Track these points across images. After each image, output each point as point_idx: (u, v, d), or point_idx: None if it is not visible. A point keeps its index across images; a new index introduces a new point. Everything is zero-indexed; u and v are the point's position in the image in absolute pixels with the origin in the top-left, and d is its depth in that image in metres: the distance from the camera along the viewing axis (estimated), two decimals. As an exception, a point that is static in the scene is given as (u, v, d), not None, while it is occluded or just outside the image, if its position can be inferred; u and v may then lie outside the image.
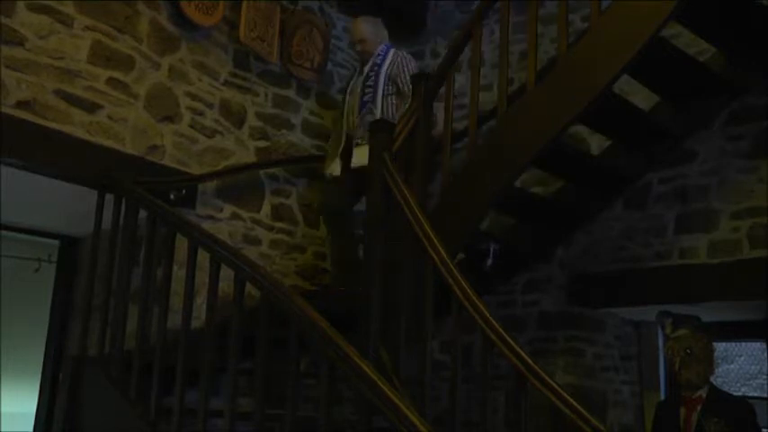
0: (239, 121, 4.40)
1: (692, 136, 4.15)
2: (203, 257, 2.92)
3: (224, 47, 4.34)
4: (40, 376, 4.00)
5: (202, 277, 2.96)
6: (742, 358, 6.24)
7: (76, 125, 3.59)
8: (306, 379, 2.98)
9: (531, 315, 4.60)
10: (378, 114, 4.21)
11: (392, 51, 4.40)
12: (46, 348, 4.05)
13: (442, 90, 3.95)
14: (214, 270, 2.84)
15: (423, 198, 3.74)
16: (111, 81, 3.74)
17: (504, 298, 4.63)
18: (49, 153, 3.46)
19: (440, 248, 2.87)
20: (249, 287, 2.73)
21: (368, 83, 4.31)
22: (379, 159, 3.30)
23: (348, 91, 4.44)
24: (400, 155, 4.01)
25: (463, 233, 3.68)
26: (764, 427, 3.61)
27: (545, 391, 2.48)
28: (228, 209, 4.31)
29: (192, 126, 4.12)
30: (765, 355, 5.23)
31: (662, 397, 4.65)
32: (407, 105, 4.28)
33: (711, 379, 3.46)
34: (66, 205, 3.79)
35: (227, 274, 2.78)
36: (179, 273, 3.09)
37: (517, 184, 3.85)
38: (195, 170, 4.09)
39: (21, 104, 3.38)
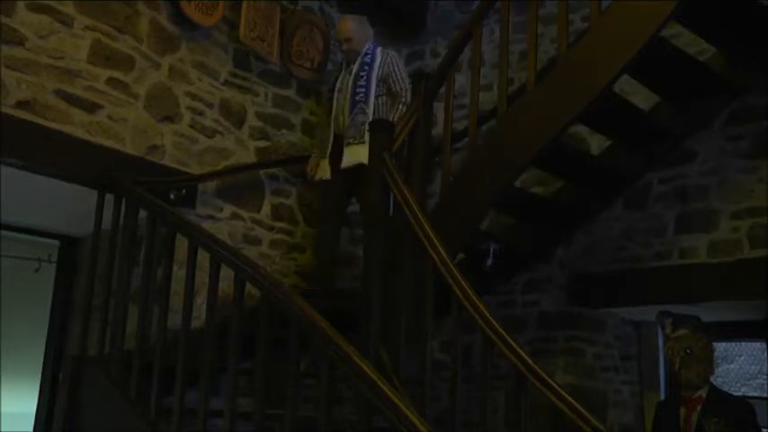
0: (239, 121, 4.40)
1: (692, 136, 4.15)
2: (203, 257, 2.92)
3: (224, 47, 4.34)
4: (40, 376, 4.01)
5: (202, 277, 2.96)
6: (742, 358, 6.24)
7: (76, 125, 3.59)
8: (306, 379, 2.98)
9: (531, 315, 4.60)
10: (370, 114, 4.18)
11: (380, 50, 4.38)
12: (46, 348, 4.05)
13: (442, 90, 3.96)
14: (214, 270, 2.84)
15: (423, 198, 3.74)
16: (111, 81, 3.74)
17: (504, 298, 4.63)
18: (49, 153, 3.46)
19: (440, 248, 2.86)
20: (249, 287, 2.73)
21: (359, 83, 4.26)
22: (379, 159, 3.29)
23: (337, 89, 4.37)
24: (400, 155, 4.02)
25: (463, 233, 3.68)
26: (764, 427, 3.60)
27: (545, 391, 2.48)
28: (228, 209, 4.31)
29: (191, 126, 4.12)
30: (765, 355, 5.23)
31: (662, 397, 4.65)
32: (400, 105, 4.29)
33: (711, 379, 3.46)
34: (66, 205, 3.79)
35: (227, 274, 2.78)
36: (179, 273, 3.09)
37: (517, 184, 3.85)
38: (195, 170, 4.09)
39: (21, 104, 3.38)
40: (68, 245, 4.18)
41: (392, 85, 4.31)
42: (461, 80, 4.69)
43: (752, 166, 4.06)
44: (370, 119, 4.16)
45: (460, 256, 3.81)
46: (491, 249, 3.97)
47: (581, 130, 4.15)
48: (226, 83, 4.33)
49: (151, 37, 3.94)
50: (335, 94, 4.36)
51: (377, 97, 4.25)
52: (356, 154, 4.10)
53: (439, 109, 4.35)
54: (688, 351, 3.35)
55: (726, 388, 4.51)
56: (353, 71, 4.31)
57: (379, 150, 3.34)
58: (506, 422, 4.36)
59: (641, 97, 3.83)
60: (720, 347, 4.45)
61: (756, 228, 3.99)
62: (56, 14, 3.54)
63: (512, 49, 3.88)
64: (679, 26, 3.58)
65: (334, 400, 2.50)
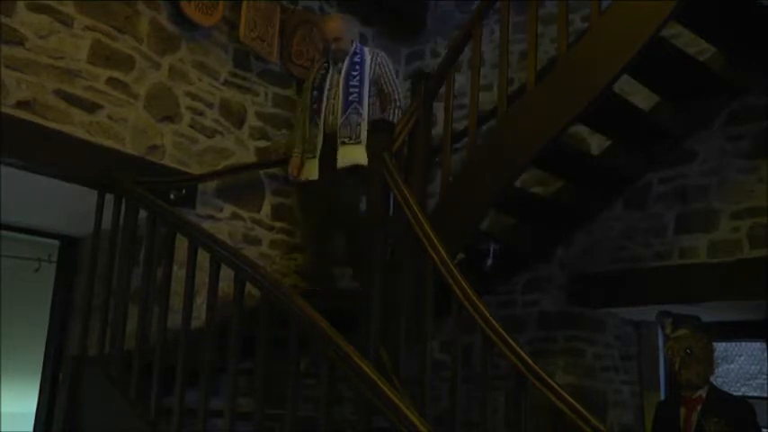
0: (239, 121, 4.39)
1: (692, 136, 4.15)
2: (203, 257, 2.92)
3: (224, 47, 4.34)
4: (40, 376, 4.00)
5: (202, 277, 2.96)
6: (742, 358, 6.24)
7: (76, 125, 3.59)
8: (306, 379, 2.98)
9: (531, 315, 4.60)
10: (365, 115, 4.15)
11: (367, 50, 4.37)
12: (46, 348, 4.05)
13: (442, 90, 3.96)
14: (214, 270, 2.83)
15: (423, 198, 3.74)
16: (111, 81, 3.74)
17: (504, 298, 4.63)
18: (49, 153, 3.46)
19: (440, 248, 2.87)
20: (249, 287, 2.73)
21: (351, 82, 4.21)
22: (379, 159, 3.29)
23: (327, 88, 4.27)
24: (400, 155, 4.02)
25: (463, 233, 3.68)
26: (764, 427, 3.61)
27: (545, 391, 2.48)
28: (228, 209, 4.30)
29: (191, 126, 4.12)
30: (765, 355, 5.23)
31: (662, 397, 4.65)
32: (395, 109, 4.28)
33: (711, 379, 3.46)
34: (66, 205, 3.79)
35: (227, 274, 2.78)
36: (179, 273, 3.09)
37: (517, 184, 3.85)
38: (195, 170, 4.09)
39: (21, 104, 3.38)
40: (68, 245, 4.18)
41: (384, 86, 4.29)
42: (461, 80, 4.69)
43: (752, 166, 4.06)
44: (365, 119, 4.15)
45: (460, 256, 3.81)
46: (491, 249, 3.97)
47: (581, 130, 4.15)
48: (226, 83, 4.33)
49: (151, 37, 3.94)
50: (325, 93, 4.26)
51: (369, 97, 4.23)
52: (352, 154, 4.08)
53: (439, 109, 4.35)
54: (688, 351, 3.35)
55: (726, 388, 4.51)
56: (343, 70, 4.25)
57: (379, 150, 3.34)
58: (506, 422, 4.36)
59: (641, 97, 3.83)
60: (720, 347, 4.45)
61: (756, 228, 3.99)
62: (56, 14, 3.53)
63: (512, 49, 3.88)
64: (679, 26, 3.58)
65: (334, 400, 2.50)
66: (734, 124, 4.13)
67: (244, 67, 4.45)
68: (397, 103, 4.32)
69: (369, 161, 3.49)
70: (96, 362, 3.27)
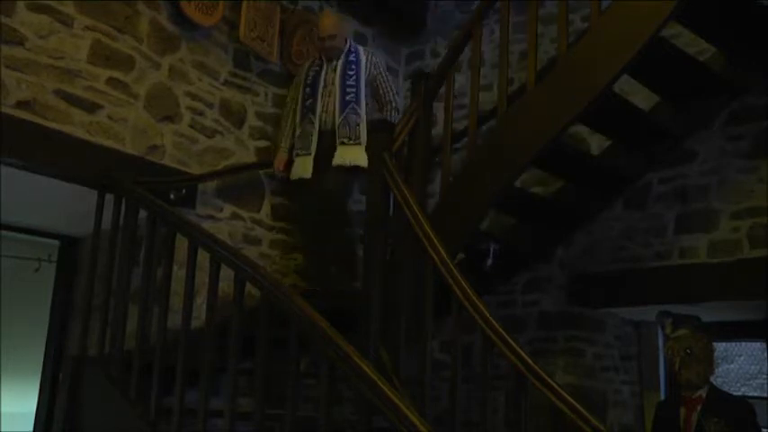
0: (239, 121, 4.39)
1: (692, 136, 4.15)
2: (203, 257, 2.92)
3: (224, 47, 4.34)
4: (40, 376, 4.00)
5: (202, 277, 2.96)
6: (742, 358, 6.24)
7: (76, 125, 3.59)
8: (306, 379, 2.98)
9: (531, 315, 4.60)
10: (362, 115, 4.15)
11: (362, 50, 4.36)
12: (46, 348, 4.05)
13: (442, 90, 3.96)
14: (214, 270, 2.83)
15: (423, 198, 3.74)
16: (111, 81, 3.74)
17: (504, 298, 4.63)
18: (49, 153, 3.46)
19: (440, 248, 2.87)
20: (249, 287, 2.73)
21: (348, 81, 4.20)
22: (379, 159, 3.29)
23: (321, 85, 4.23)
24: (400, 155, 4.02)
25: (463, 233, 3.68)
26: (764, 427, 3.61)
27: (545, 391, 2.48)
28: (228, 209, 4.30)
29: (191, 126, 4.12)
30: (765, 355, 5.23)
31: (662, 397, 4.65)
32: (392, 112, 4.27)
33: (711, 379, 3.46)
34: (66, 205, 3.79)
35: (227, 274, 2.78)
36: (179, 273, 3.09)
37: (517, 184, 3.85)
38: (195, 170, 4.09)
39: (21, 104, 3.38)
40: (68, 245, 4.18)
41: (379, 88, 4.29)
42: (461, 80, 4.69)
43: (752, 166, 4.06)
44: (364, 120, 4.14)
45: (460, 256, 3.82)
46: (491, 249, 3.97)
47: (581, 130, 4.15)
48: (226, 83, 4.33)
49: (151, 37, 3.94)
50: (319, 91, 4.23)
51: (366, 97, 4.23)
52: (352, 154, 4.08)
53: (439, 109, 4.35)
54: (688, 351, 3.35)
55: (726, 388, 4.51)
56: (338, 68, 4.24)
57: (379, 150, 3.34)
58: (506, 422, 4.36)
59: (641, 97, 3.83)
60: (720, 347, 4.45)
61: (756, 228, 3.99)
62: (56, 14, 3.53)
63: (512, 49, 3.88)
64: (679, 26, 3.58)
65: (334, 400, 2.50)
66: (734, 124, 4.13)
67: (244, 67, 4.45)
68: (394, 105, 4.32)
69: (369, 161, 3.49)
70: (96, 362, 3.27)
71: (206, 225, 3.75)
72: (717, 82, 3.77)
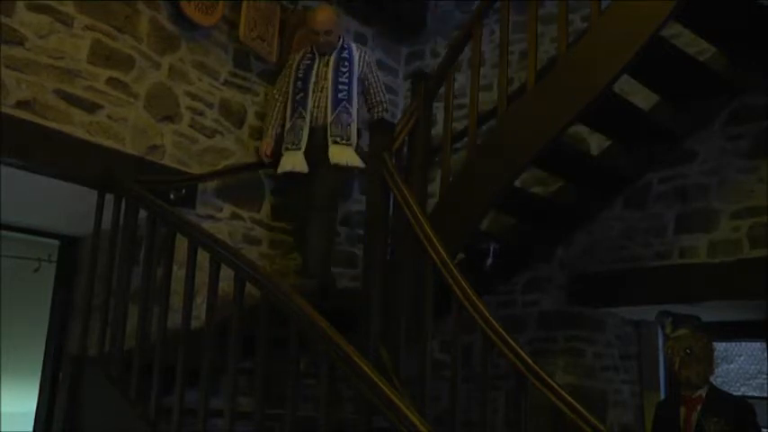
0: (239, 121, 4.39)
1: (692, 136, 4.15)
2: (203, 257, 2.92)
3: (224, 46, 4.33)
4: (39, 376, 4.00)
5: (202, 277, 2.96)
6: (742, 358, 6.24)
7: (76, 125, 3.58)
8: (306, 379, 2.98)
9: (531, 315, 4.60)
10: (354, 114, 4.15)
11: (354, 47, 4.35)
12: (46, 348, 4.04)
13: (442, 90, 3.96)
14: (214, 270, 2.84)
15: (423, 198, 3.74)
16: (111, 81, 3.74)
17: (504, 298, 4.63)
18: (49, 153, 3.46)
19: (440, 249, 2.87)
20: (249, 287, 2.73)
21: (341, 79, 4.18)
22: (379, 159, 3.29)
23: (312, 80, 4.20)
24: (400, 155, 4.02)
25: (463, 233, 3.68)
26: (764, 427, 3.61)
27: (545, 391, 2.48)
28: (228, 209, 4.30)
29: (191, 126, 4.12)
30: (765, 355, 5.23)
31: (662, 397, 4.65)
32: (382, 112, 4.27)
33: (711, 379, 3.46)
34: (66, 205, 3.78)
35: (227, 273, 2.78)
36: (179, 273, 3.09)
37: (517, 184, 3.85)
38: (195, 170, 4.09)
39: (21, 104, 3.37)
40: (68, 245, 4.17)
41: (369, 87, 4.29)
42: (461, 80, 4.69)
43: (752, 166, 4.06)
44: (355, 120, 4.14)
45: (460, 256, 3.82)
46: (491, 249, 3.97)
47: (581, 130, 4.15)
48: (226, 83, 4.33)
49: (151, 37, 3.94)
50: (310, 85, 4.20)
51: (357, 95, 4.22)
52: (344, 154, 4.08)
53: (439, 109, 4.36)
54: (688, 351, 3.36)
55: (726, 388, 4.51)
56: (331, 64, 4.22)
57: (379, 150, 3.34)
58: (506, 422, 4.36)
59: (641, 97, 3.83)
60: (720, 347, 4.45)
61: (756, 228, 3.99)
62: (56, 14, 3.53)
63: (512, 49, 3.88)
64: (679, 26, 3.58)
65: (334, 400, 2.50)
66: (734, 124, 4.13)
67: (244, 67, 4.44)
68: (384, 106, 4.32)
69: (369, 161, 3.49)
70: (96, 362, 3.27)
71: (206, 225, 3.75)
72: (717, 82, 3.77)
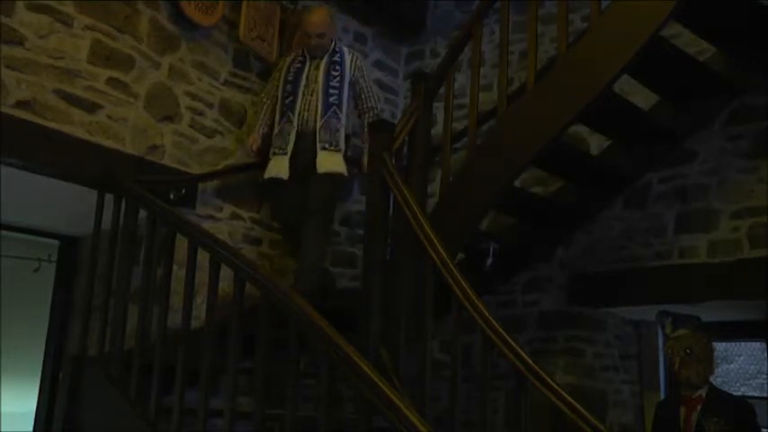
0: (239, 121, 4.39)
1: (692, 136, 4.15)
2: (203, 257, 2.92)
3: (224, 46, 4.33)
4: (39, 376, 4.00)
5: (202, 277, 2.96)
6: (742, 358, 6.24)
7: (76, 125, 3.58)
8: (306, 379, 2.98)
9: (531, 315, 4.60)
10: (343, 120, 4.12)
11: (346, 50, 4.33)
12: (46, 348, 4.04)
13: (442, 90, 3.96)
14: (214, 270, 2.84)
15: (423, 198, 3.75)
16: (110, 81, 3.74)
17: (504, 298, 4.63)
18: (49, 153, 3.46)
19: (440, 249, 2.87)
20: (249, 287, 2.73)
21: (331, 83, 4.15)
22: (379, 159, 3.29)
23: (303, 83, 4.17)
24: (400, 155, 4.02)
25: (463, 233, 3.68)
26: (764, 427, 3.61)
27: (545, 391, 2.48)
28: (228, 209, 4.30)
29: (191, 126, 4.12)
30: (765, 355, 5.23)
31: (662, 397, 4.65)
32: (372, 114, 4.25)
33: (711, 379, 3.46)
34: (66, 205, 3.79)
35: (227, 273, 2.78)
36: (179, 273, 3.09)
37: (517, 184, 3.85)
38: (195, 170, 4.09)
39: (21, 104, 3.37)
40: (68, 245, 4.17)
41: (361, 92, 4.26)
42: (461, 80, 4.69)
43: (752, 166, 4.06)
44: (344, 126, 4.13)
45: (460, 256, 3.82)
46: (491, 249, 3.97)
47: (581, 130, 4.15)
48: (226, 83, 4.33)
49: (151, 37, 3.94)
50: (300, 88, 4.16)
51: (348, 100, 4.20)
52: (332, 161, 4.06)
53: (439, 109, 4.36)
54: (688, 351, 3.36)
55: (726, 388, 4.51)
56: (322, 67, 4.19)
57: (379, 150, 3.34)
58: (506, 422, 4.36)
59: (641, 97, 3.83)
60: (720, 347, 4.45)
61: (756, 228, 3.99)
62: (56, 14, 3.53)
63: (512, 49, 3.88)
64: (679, 26, 3.58)
65: (334, 400, 2.50)
66: (734, 124, 4.13)
67: (244, 67, 4.44)
68: (376, 111, 4.30)
69: (369, 161, 3.49)
70: (96, 362, 3.27)
71: (206, 225, 3.75)
72: (717, 82, 3.77)
